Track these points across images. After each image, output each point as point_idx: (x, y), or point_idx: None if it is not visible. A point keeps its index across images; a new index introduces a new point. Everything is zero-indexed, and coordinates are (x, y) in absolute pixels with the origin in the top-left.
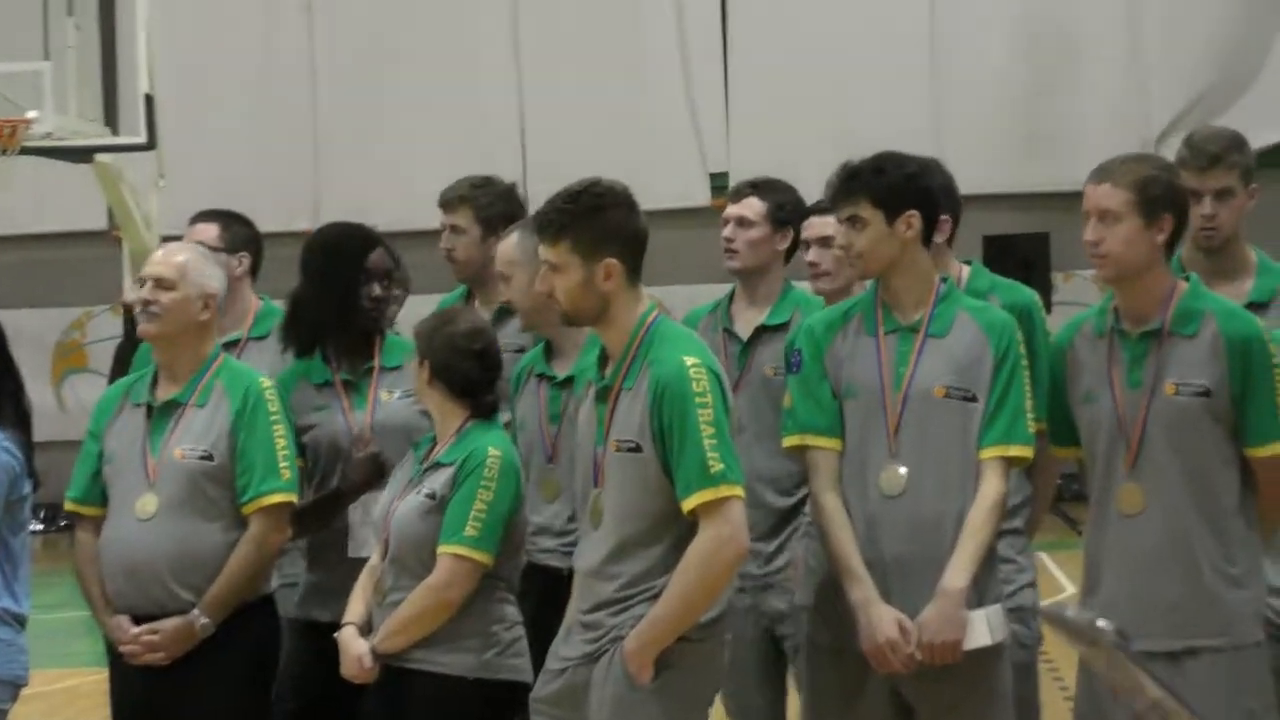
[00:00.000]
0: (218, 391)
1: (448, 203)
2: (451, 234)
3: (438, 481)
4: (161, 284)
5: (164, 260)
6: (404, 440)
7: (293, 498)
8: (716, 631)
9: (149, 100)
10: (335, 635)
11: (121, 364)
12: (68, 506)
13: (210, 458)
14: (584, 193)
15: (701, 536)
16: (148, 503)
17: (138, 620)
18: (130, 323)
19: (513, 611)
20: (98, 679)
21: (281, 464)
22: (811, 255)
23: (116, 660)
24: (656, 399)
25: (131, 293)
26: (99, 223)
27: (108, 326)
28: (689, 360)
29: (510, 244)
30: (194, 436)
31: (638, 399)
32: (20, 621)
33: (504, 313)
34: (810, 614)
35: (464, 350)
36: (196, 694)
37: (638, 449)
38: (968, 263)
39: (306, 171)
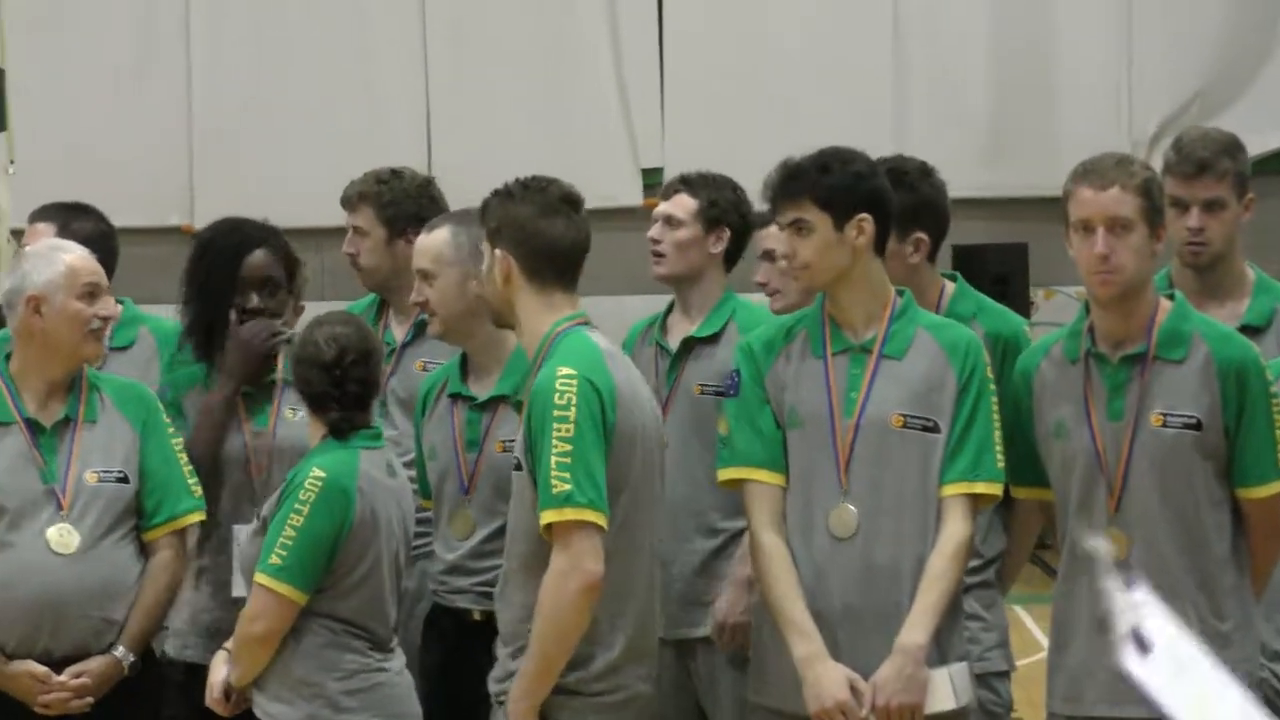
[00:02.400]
0: (107, 406)
1: (347, 200)
2: (354, 236)
3: (270, 502)
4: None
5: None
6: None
7: (204, 516)
8: (618, 682)
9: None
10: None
11: None
12: None
13: (125, 479)
14: (513, 182)
15: (548, 570)
16: (64, 533)
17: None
18: None
19: (355, 661)
20: None
21: (190, 480)
22: (760, 274)
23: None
24: (528, 411)
25: None
26: None
27: None
28: (562, 371)
29: (439, 239)
30: (101, 457)
31: (524, 415)
32: None
33: (423, 325)
34: (749, 671)
35: (311, 359)
36: None
37: (519, 466)
38: (953, 278)
39: (180, 160)
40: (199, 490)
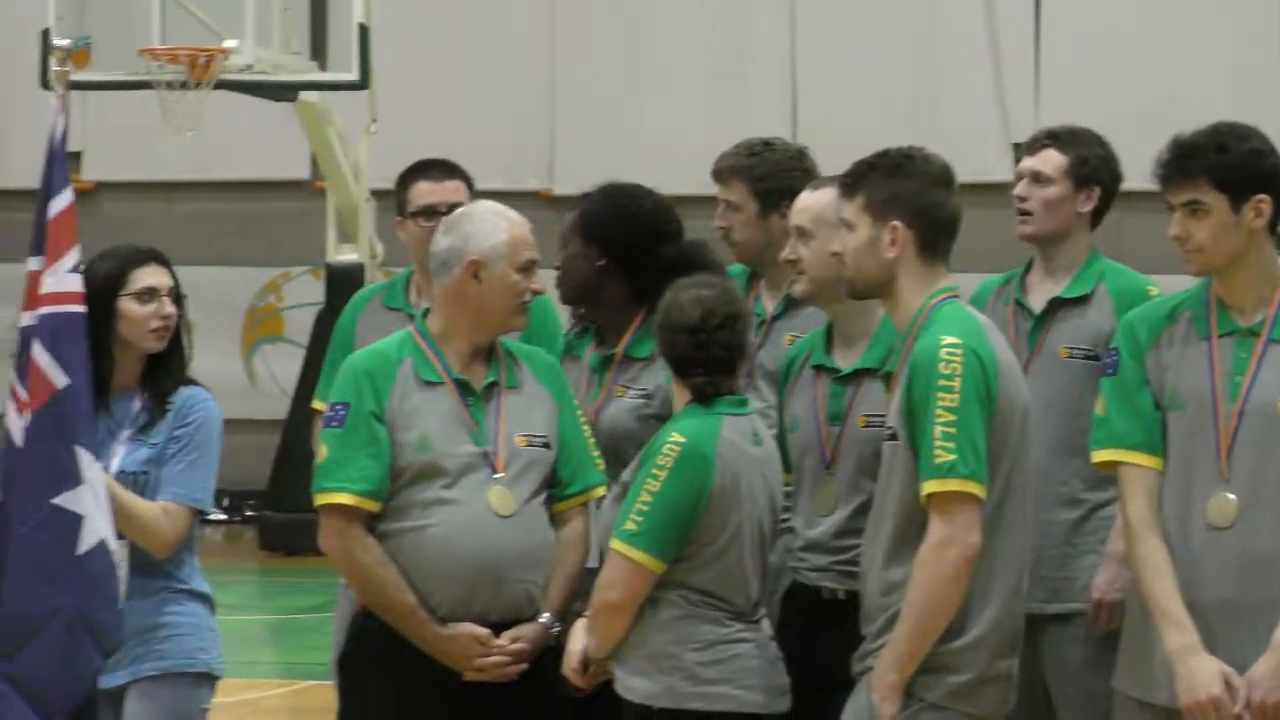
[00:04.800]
0: (525, 373)
1: (719, 174)
2: (726, 210)
3: (632, 466)
4: None
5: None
6: (626, 444)
7: (607, 490)
8: (984, 658)
9: (363, 32)
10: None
11: (322, 334)
12: (347, 501)
13: (548, 446)
14: (893, 151)
15: (925, 539)
16: (502, 495)
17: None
18: (334, 287)
19: (712, 632)
20: (281, 693)
21: (594, 453)
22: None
23: (412, 675)
24: (909, 380)
25: (335, 253)
26: (301, 171)
27: (308, 290)
28: (946, 340)
29: (822, 199)
30: (526, 422)
31: (901, 384)
32: (211, 605)
33: (792, 302)
34: (1118, 659)
35: (675, 323)
36: (537, 712)
37: (894, 436)
38: None
39: (542, 125)
40: (601, 464)
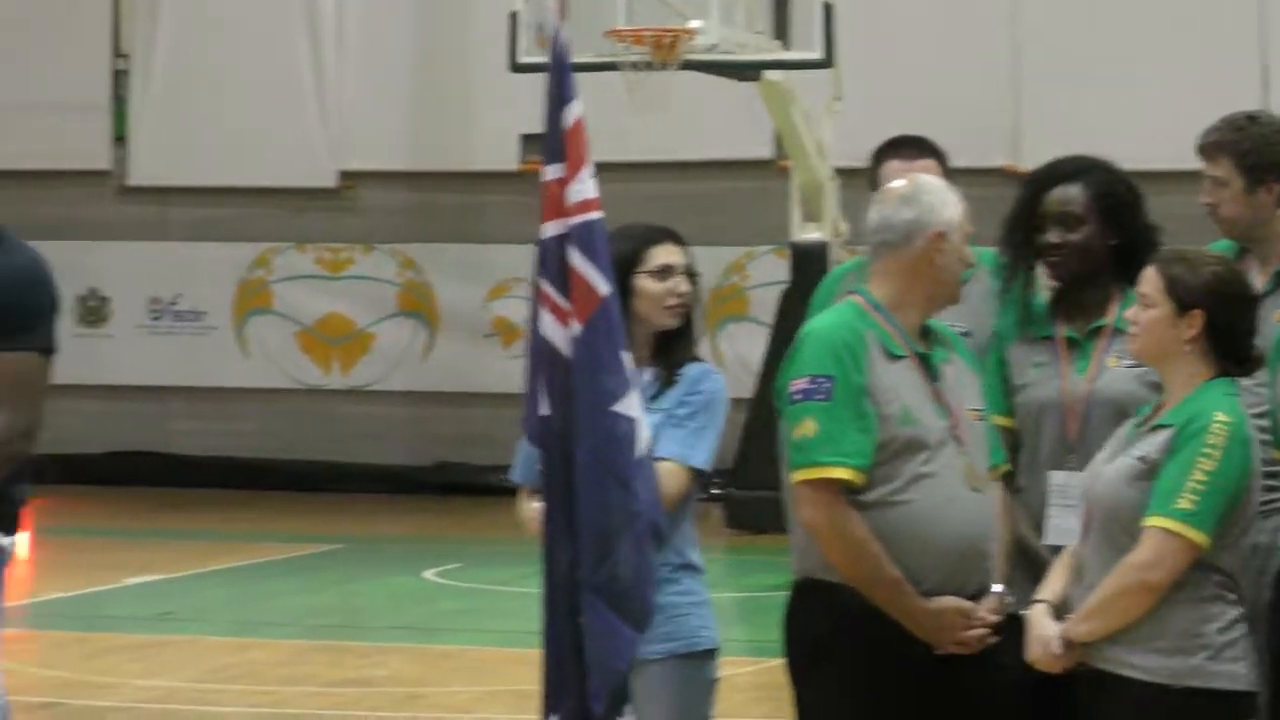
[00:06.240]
0: (948, 343)
1: (1204, 149)
2: (1213, 186)
3: (1153, 445)
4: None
5: None
6: (1114, 414)
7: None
8: None
9: (827, 10)
10: (1022, 614)
11: (788, 313)
12: (841, 475)
13: (984, 419)
14: None
15: None
16: (972, 469)
17: None
18: (799, 266)
19: (1232, 612)
20: (751, 670)
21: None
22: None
23: (877, 649)
24: None
25: (799, 232)
26: (764, 150)
27: (771, 269)
28: None
29: None
30: (969, 395)
31: None
32: (703, 576)
33: None
34: None
35: (1242, 298)
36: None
37: None
38: None
39: (1006, 98)
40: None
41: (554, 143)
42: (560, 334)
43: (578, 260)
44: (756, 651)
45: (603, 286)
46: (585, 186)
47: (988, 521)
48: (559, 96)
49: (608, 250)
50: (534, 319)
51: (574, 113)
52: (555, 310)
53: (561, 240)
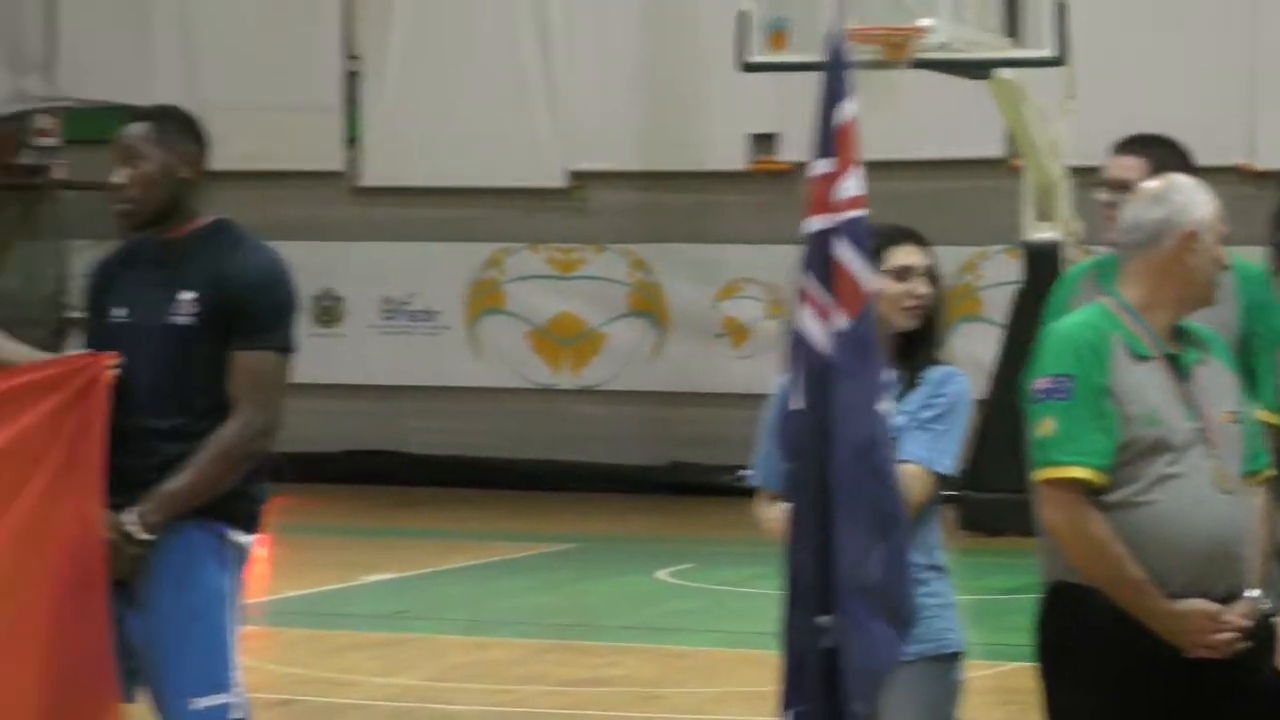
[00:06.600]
0: (1206, 346)
1: None
2: None
3: None
4: None
5: None
6: None
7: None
8: None
9: (1060, 8)
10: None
11: (1021, 313)
12: (1082, 475)
13: (1242, 423)
14: None
15: None
16: (1222, 471)
17: None
18: (1032, 265)
19: None
20: (989, 674)
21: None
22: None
23: (1123, 652)
24: None
25: (1032, 231)
26: (995, 149)
27: (1003, 269)
28: None
29: None
30: (1225, 399)
31: None
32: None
33: None
34: None
35: None
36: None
37: None
38: None
39: (1242, 96)
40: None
41: (824, 138)
42: (819, 331)
43: (847, 255)
44: (992, 655)
45: (870, 282)
46: (855, 183)
47: (1239, 524)
48: (834, 93)
49: (867, 245)
50: (792, 315)
51: (848, 110)
52: (816, 306)
53: (826, 235)
